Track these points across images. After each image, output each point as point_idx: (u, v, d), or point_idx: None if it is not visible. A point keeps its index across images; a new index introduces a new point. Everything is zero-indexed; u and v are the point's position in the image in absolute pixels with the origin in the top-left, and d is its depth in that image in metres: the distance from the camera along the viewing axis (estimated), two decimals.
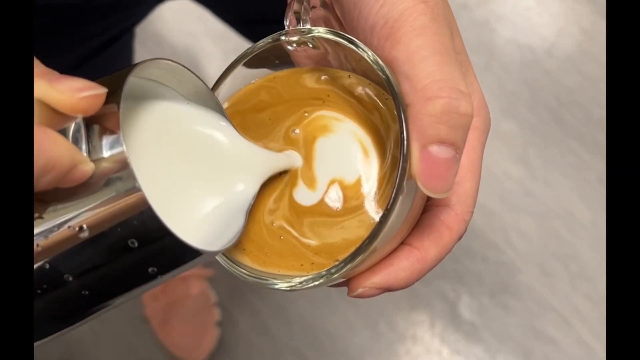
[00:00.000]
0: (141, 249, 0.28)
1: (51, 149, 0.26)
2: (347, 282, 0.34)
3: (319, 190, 0.35)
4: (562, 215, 1.19)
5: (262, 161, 0.35)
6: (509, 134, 1.25)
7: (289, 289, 0.33)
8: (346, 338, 1.16)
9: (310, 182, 0.35)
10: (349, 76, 0.36)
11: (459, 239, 0.34)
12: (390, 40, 0.31)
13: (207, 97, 0.35)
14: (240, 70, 0.37)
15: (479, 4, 1.36)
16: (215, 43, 1.39)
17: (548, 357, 1.12)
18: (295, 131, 0.37)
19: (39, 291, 0.28)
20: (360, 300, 1.17)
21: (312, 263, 0.34)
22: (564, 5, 1.35)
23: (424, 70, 0.29)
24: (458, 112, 0.29)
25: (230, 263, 0.35)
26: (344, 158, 0.35)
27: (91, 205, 0.27)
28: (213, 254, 0.31)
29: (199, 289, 1.16)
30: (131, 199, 0.27)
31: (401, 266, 0.33)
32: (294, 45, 0.36)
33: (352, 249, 0.32)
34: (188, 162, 0.33)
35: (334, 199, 0.35)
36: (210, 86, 0.36)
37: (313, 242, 0.34)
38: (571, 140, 1.24)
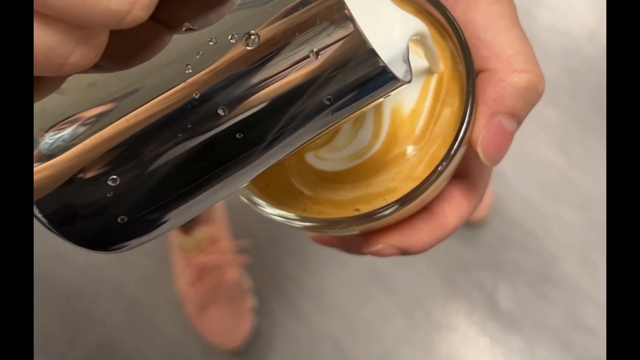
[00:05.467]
0: (322, 61, 0.23)
1: None
2: (365, 237, 0.33)
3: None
4: (603, 205, 1.17)
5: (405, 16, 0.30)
6: (549, 121, 1.23)
7: (283, 220, 0.31)
8: (382, 326, 1.15)
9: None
10: None
11: (473, 212, 0.34)
12: (465, 0, 0.31)
13: None
14: None
15: None
16: None
17: (588, 347, 1.10)
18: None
19: (180, 135, 0.23)
20: (397, 289, 1.16)
21: (320, 212, 0.32)
22: None
23: (508, 40, 0.30)
24: (537, 90, 0.30)
25: None
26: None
27: (265, 7, 0.22)
28: (396, 83, 0.25)
29: (235, 276, 1.16)
30: None
31: (422, 229, 0.32)
32: None
33: (377, 201, 0.31)
34: None
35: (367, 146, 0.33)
36: None
37: (313, 195, 0.33)
38: None
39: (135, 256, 1.23)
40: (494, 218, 1.19)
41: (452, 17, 0.31)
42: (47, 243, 1.18)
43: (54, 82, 0.23)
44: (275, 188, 0.33)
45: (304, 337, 1.16)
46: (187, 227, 1.15)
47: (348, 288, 1.18)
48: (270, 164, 0.26)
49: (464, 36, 0.30)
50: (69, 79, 0.23)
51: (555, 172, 1.21)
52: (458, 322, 1.14)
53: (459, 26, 0.31)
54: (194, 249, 1.15)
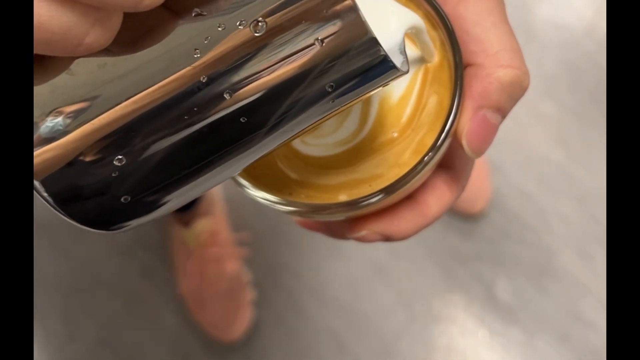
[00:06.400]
0: (326, 49, 0.23)
1: None
2: (350, 223, 0.34)
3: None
4: (601, 198, 1.18)
5: (401, 10, 0.31)
6: (548, 115, 1.24)
7: (269, 203, 0.31)
8: (382, 319, 1.16)
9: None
10: None
11: (455, 201, 0.35)
12: None
13: None
14: None
15: None
16: None
17: (587, 340, 1.11)
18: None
19: (186, 117, 0.24)
20: (396, 282, 1.17)
21: (307, 196, 0.33)
22: None
23: (496, 36, 0.31)
24: (522, 85, 0.31)
25: None
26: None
27: None
28: (395, 72, 0.26)
29: (234, 268, 1.16)
30: None
31: (406, 217, 0.33)
32: None
33: (362, 187, 0.32)
34: None
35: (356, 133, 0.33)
36: None
37: (299, 179, 0.33)
38: None
39: (134, 249, 1.23)
40: (492, 211, 1.19)
41: (442, 10, 0.31)
42: (46, 238, 1.18)
43: (64, 62, 0.23)
44: (262, 171, 0.33)
45: (303, 329, 1.16)
46: (187, 220, 1.16)
47: (347, 281, 1.18)
48: (270, 149, 0.27)
49: (453, 30, 0.31)
50: (78, 60, 0.23)
51: (554, 165, 1.21)
52: (457, 314, 1.15)
53: (448, 20, 0.31)
54: (194, 242, 1.15)
